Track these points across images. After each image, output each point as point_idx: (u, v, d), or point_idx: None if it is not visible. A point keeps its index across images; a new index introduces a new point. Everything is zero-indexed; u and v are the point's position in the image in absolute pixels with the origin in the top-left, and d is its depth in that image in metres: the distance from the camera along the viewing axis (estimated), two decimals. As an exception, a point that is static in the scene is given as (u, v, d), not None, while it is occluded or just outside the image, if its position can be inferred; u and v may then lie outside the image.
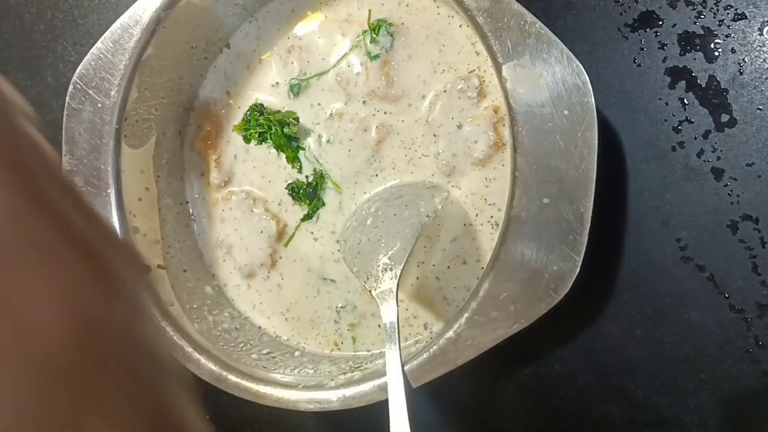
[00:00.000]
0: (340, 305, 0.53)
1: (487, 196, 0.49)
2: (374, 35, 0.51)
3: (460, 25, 0.49)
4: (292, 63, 0.54)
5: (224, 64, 0.56)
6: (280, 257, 0.55)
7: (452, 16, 0.49)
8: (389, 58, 0.51)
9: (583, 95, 0.40)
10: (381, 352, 0.51)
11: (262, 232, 0.55)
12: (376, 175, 0.52)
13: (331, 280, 0.54)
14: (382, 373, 0.45)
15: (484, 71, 0.49)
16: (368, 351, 0.52)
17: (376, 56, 0.51)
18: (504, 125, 0.48)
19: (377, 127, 0.51)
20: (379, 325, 0.52)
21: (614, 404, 0.49)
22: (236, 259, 0.56)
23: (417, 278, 0.51)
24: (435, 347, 0.44)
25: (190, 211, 0.57)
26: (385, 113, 0.51)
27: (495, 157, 0.48)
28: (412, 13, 0.50)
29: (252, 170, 0.56)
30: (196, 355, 0.49)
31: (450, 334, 0.43)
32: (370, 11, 0.51)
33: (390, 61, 0.51)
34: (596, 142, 0.40)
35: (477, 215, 0.49)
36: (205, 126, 0.57)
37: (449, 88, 0.49)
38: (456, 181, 0.49)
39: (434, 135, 0.50)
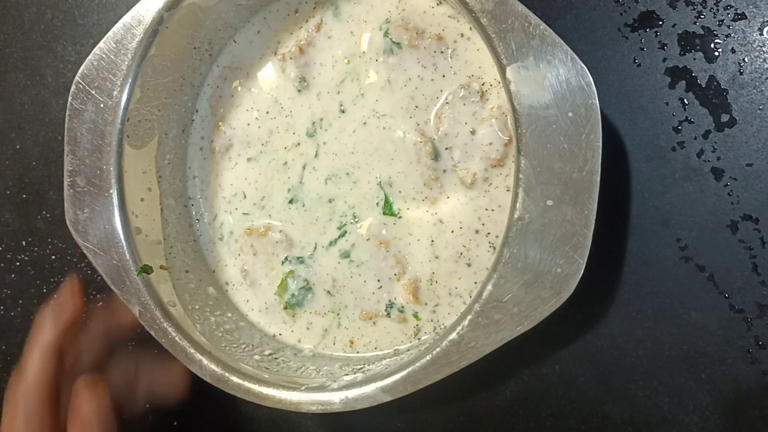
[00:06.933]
0: (341, 307, 0.53)
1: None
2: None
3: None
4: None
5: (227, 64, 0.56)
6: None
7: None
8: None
9: (587, 97, 0.40)
10: (384, 353, 0.51)
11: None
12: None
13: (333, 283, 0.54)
14: (385, 375, 0.45)
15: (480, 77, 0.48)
16: (371, 353, 0.52)
17: None
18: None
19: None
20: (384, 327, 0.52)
21: (614, 404, 0.49)
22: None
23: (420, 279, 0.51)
24: (438, 349, 0.44)
25: (193, 212, 0.57)
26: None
27: (509, 155, 0.48)
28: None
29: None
30: (198, 356, 0.49)
31: (453, 336, 0.43)
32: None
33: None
34: (600, 144, 0.40)
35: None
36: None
37: (451, 99, 0.49)
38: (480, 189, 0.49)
39: (446, 149, 0.49)
